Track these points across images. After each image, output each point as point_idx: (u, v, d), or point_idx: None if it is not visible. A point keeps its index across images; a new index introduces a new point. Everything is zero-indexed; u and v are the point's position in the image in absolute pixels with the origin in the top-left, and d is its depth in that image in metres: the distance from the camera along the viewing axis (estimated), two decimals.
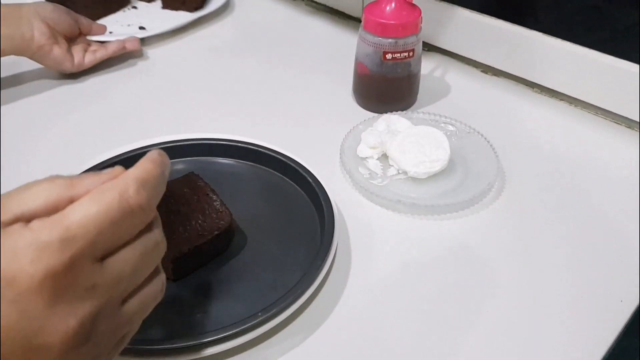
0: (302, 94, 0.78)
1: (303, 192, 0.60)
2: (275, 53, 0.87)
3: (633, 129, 0.71)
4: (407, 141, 0.62)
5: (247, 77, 0.82)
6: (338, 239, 0.53)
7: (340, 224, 0.56)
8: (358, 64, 0.72)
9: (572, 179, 0.64)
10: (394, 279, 0.53)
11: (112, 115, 0.74)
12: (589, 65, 0.71)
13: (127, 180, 0.33)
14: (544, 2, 0.75)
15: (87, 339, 0.31)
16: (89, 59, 0.80)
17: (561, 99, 0.76)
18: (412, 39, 0.68)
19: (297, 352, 0.47)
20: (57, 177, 0.33)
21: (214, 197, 0.54)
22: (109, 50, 0.81)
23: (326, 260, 0.51)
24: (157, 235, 0.36)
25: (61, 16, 0.77)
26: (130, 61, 0.83)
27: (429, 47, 0.86)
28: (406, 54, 0.68)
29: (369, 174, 0.63)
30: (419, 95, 0.75)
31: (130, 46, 0.82)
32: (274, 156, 0.62)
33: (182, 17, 0.94)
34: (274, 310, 0.46)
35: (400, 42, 0.67)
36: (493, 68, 0.81)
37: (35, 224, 0.30)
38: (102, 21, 0.92)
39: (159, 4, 0.99)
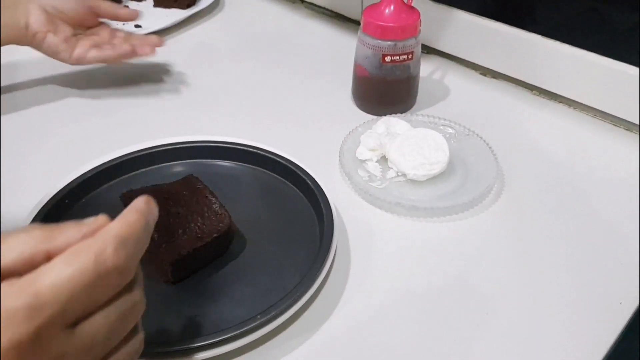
0: (301, 96, 0.78)
1: (302, 195, 0.59)
2: (275, 55, 0.87)
3: (632, 131, 0.71)
4: (406, 143, 0.62)
5: (246, 78, 0.82)
6: (337, 242, 0.53)
7: (339, 227, 0.56)
8: (357, 66, 0.72)
9: (571, 181, 0.64)
10: (393, 282, 0.53)
11: (111, 116, 0.74)
12: (587, 68, 0.71)
13: (106, 239, 0.31)
14: (542, 4, 0.75)
15: None
16: (93, 55, 0.72)
17: (560, 101, 0.76)
18: (411, 41, 0.68)
19: (296, 355, 0.47)
20: (35, 228, 0.31)
21: (213, 200, 0.54)
22: (116, 52, 0.73)
23: (325, 262, 0.51)
24: (135, 296, 0.34)
25: (66, 2, 0.71)
26: (127, 62, 0.83)
27: (428, 50, 0.86)
28: (405, 57, 0.69)
29: (368, 176, 0.63)
30: (418, 98, 0.75)
31: (142, 52, 0.74)
32: (273, 158, 0.62)
33: (176, 14, 0.94)
34: (273, 313, 0.46)
35: (400, 44, 0.68)
36: (492, 70, 0.81)
37: (3, 287, 0.28)
38: None
39: (150, 2, 0.99)
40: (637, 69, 0.67)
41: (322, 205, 0.56)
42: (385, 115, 0.70)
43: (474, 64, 0.83)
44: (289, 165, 0.61)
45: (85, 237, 0.31)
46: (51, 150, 0.68)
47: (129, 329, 0.34)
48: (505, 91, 0.79)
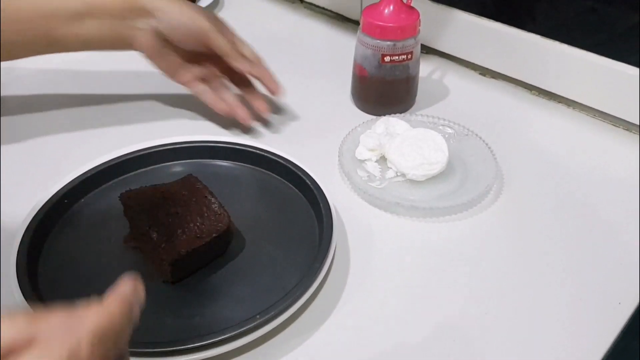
0: (301, 96, 0.78)
1: (302, 195, 0.59)
2: (274, 55, 0.86)
3: (631, 131, 0.71)
4: (405, 144, 0.62)
5: None
6: (336, 242, 0.53)
7: (338, 227, 0.56)
8: (356, 66, 0.72)
9: (570, 181, 0.64)
10: (392, 281, 0.53)
11: (110, 116, 0.74)
12: (587, 68, 0.71)
13: (81, 334, 0.29)
14: (542, 4, 0.75)
15: None
16: (195, 89, 0.68)
17: (559, 102, 0.76)
18: (410, 41, 0.68)
19: (296, 355, 0.47)
20: (18, 314, 0.29)
21: (212, 200, 0.54)
22: (217, 106, 0.68)
23: (324, 262, 0.51)
24: None
25: (184, 36, 0.64)
26: (127, 62, 0.83)
27: (427, 50, 0.86)
28: (404, 57, 0.69)
29: (368, 176, 0.63)
30: (418, 98, 0.75)
31: (242, 117, 0.67)
32: (272, 158, 0.62)
33: None
34: (272, 313, 0.46)
35: (399, 44, 0.68)
36: (491, 70, 0.81)
37: None
38: None
39: None
40: (637, 69, 0.67)
41: (321, 205, 0.56)
42: (384, 115, 0.70)
43: (473, 64, 0.83)
44: (289, 165, 0.61)
45: (67, 326, 0.29)
46: (50, 150, 0.68)
47: None
48: (505, 91, 0.79)
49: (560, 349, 0.47)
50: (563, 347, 0.48)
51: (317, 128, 0.72)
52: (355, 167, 0.64)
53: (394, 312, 0.50)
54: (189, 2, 0.65)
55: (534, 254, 0.56)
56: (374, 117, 0.70)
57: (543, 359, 0.47)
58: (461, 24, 0.81)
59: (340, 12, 0.95)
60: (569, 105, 0.75)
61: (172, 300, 0.50)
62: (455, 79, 0.81)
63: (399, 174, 0.63)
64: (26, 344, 0.28)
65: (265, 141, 0.63)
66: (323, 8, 0.97)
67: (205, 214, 0.52)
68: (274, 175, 0.62)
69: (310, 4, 0.99)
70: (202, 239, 0.51)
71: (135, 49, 0.66)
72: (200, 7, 0.65)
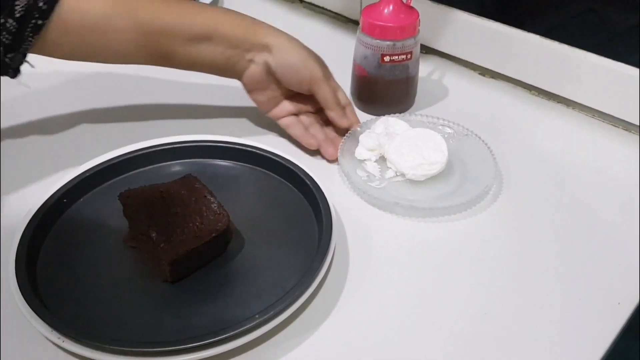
0: None
1: (301, 195, 0.59)
2: None
3: (631, 131, 0.71)
4: (405, 144, 0.62)
5: None
6: (336, 242, 0.53)
7: (338, 227, 0.56)
8: (356, 66, 0.72)
9: (569, 182, 0.64)
10: (391, 282, 0.53)
11: (109, 116, 0.74)
12: (586, 68, 0.71)
13: None
14: (541, 5, 0.75)
15: None
16: (285, 123, 0.68)
17: (559, 102, 0.76)
18: (410, 41, 0.68)
19: (295, 354, 0.47)
20: None
21: (212, 199, 0.54)
22: (301, 140, 0.67)
23: (324, 262, 0.51)
24: None
25: (292, 77, 0.64)
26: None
27: (426, 50, 0.86)
28: (404, 57, 0.69)
29: (367, 176, 0.63)
30: (417, 98, 0.75)
31: (330, 153, 0.66)
32: (271, 158, 0.62)
33: None
34: (272, 313, 0.46)
35: (398, 44, 0.67)
36: (491, 70, 0.81)
37: None
38: None
39: None
40: (636, 69, 0.67)
41: (320, 205, 0.55)
42: (383, 115, 0.70)
43: (472, 64, 0.83)
44: (288, 165, 0.60)
45: None
46: (50, 150, 0.68)
47: None
48: (504, 91, 0.79)
49: (559, 349, 0.47)
50: (562, 347, 0.48)
51: None
52: (354, 167, 0.64)
53: (393, 312, 0.50)
54: (304, 45, 0.65)
55: (533, 254, 0.56)
56: (374, 117, 0.70)
57: (542, 358, 0.47)
58: (461, 24, 0.81)
59: (340, 12, 0.95)
60: (568, 105, 0.75)
61: (172, 299, 0.50)
62: (454, 79, 0.81)
63: (398, 174, 0.63)
64: None
65: (264, 141, 0.63)
66: (322, 8, 0.97)
67: (205, 214, 0.52)
68: (274, 175, 0.62)
69: (310, 3, 0.99)
70: (201, 238, 0.51)
71: (241, 80, 0.66)
72: (311, 50, 0.65)
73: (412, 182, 0.62)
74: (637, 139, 0.70)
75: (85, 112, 0.75)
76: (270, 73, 0.64)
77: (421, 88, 0.75)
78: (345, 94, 0.68)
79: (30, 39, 0.57)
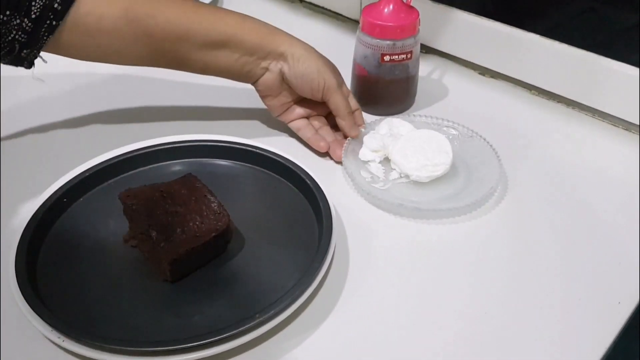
0: None
1: (301, 194, 0.59)
2: None
3: (631, 131, 0.71)
4: (409, 145, 0.62)
5: None
6: (336, 242, 0.53)
7: (338, 227, 0.56)
8: (356, 65, 0.72)
9: (569, 181, 0.64)
10: (392, 282, 0.53)
11: (109, 115, 0.74)
12: (586, 68, 0.71)
13: None
14: (541, 4, 0.75)
15: None
16: (296, 126, 0.68)
17: (559, 101, 0.76)
18: (410, 41, 0.68)
19: (295, 354, 0.47)
20: None
21: (212, 199, 0.54)
22: (311, 143, 0.67)
23: (324, 262, 0.51)
24: None
25: (306, 86, 0.64)
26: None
27: (426, 49, 0.86)
28: (404, 56, 0.69)
29: (371, 177, 0.63)
30: (417, 97, 0.75)
31: (339, 156, 0.65)
32: (271, 158, 0.62)
33: None
34: (272, 312, 0.46)
35: (398, 44, 0.67)
36: (491, 70, 0.81)
37: None
38: None
39: None
40: (636, 68, 0.67)
41: (321, 205, 0.55)
42: (383, 115, 0.70)
43: (472, 63, 0.83)
44: (288, 165, 0.60)
45: None
46: (50, 149, 0.68)
47: None
48: (504, 91, 0.79)
49: (560, 349, 0.47)
50: (563, 346, 0.48)
51: None
52: (358, 168, 0.63)
53: (393, 312, 0.50)
54: (318, 54, 0.65)
55: (532, 254, 0.56)
56: (376, 117, 0.70)
57: (543, 358, 0.47)
58: (461, 24, 0.81)
59: (340, 12, 0.95)
60: (568, 105, 0.75)
61: (172, 299, 0.50)
62: (454, 79, 0.81)
63: (402, 175, 0.62)
64: None
65: (265, 141, 0.63)
66: (322, 7, 0.97)
67: (205, 213, 0.52)
68: (274, 174, 0.62)
69: (310, 3, 0.99)
70: (201, 238, 0.51)
71: (254, 85, 0.66)
72: (325, 58, 0.65)
73: (416, 183, 0.62)
74: (637, 138, 0.70)
75: (85, 112, 0.74)
76: (284, 81, 0.65)
77: (421, 88, 0.75)
78: (355, 101, 0.68)
79: (45, 38, 0.57)
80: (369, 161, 0.64)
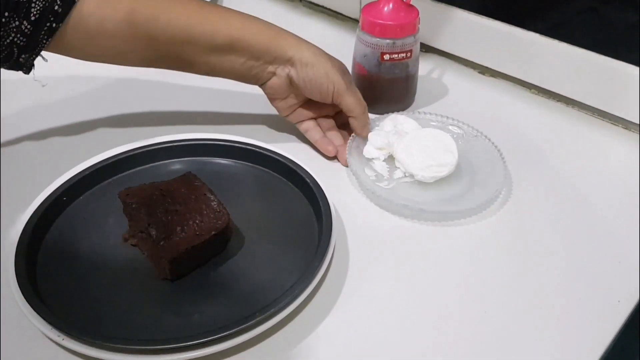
0: None
1: (301, 193, 0.59)
2: None
3: (630, 130, 0.71)
4: (414, 143, 0.62)
5: None
6: (336, 241, 0.53)
7: (338, 226, 0.56)
8: (356, 64, 0.72)
9: (568, 180, 0.64)
10: (391, 281, 0.53)
11: (109, 114, 0.74)
12: (586, 67, 0.71)
13: None
14: (541, 3, 0.75)
15: None
16: (304, 127, 0.67)
17: (558, 100, 0.76)
18: (409, 39, 0.68)
19: (294, 353, 0.47)
20: None
21: (212, 197, 0.54)
22: (319, 146, 0.66)
23: (323, 261, 0.51)
24: None
25: (315, 89, 0.63)
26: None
27: (426, 48, 0.86)
28: (404, 55, 0.69)
29: (376, 176, 0.62)
30: (417, 96, 0.75)
31: (345, 160, 0.65)
32: (271, 157, 0.62)
33: None
34: (271, 311, 0.46)
35: (398, 43, 0.67)
36: (490, 69, 0.81)
37: None
38: None
39: None
40: (636, 67, 0.67)
41: (320, 203, 0.55)
42: (383, 113, 0.69)
43: (472, 62, 0.83)
44: (288, 164, 0.60)
45: None
46: (49, 148, 0.68)
47: None
48: (504, 90, 0.79)
49: (559, 347, 0.47)
50: (563, 345, 0.48)
51: None
52: (362, 165, 0.63)
53: (393, 312, 0.50)
54: (326, 55, 0.64)
55: (532, 253, 0.56)
56: (381, 115, 0.69)
57: (542, 357, 0.47)
58: (460, 23, 0.81)
59: (339, 11, 0.95)
60: (568, 104, 0.75)
61: (171, 297, 0.50)
62: (454, 78, 0.81)
63: (407, 174, 0.62)
64: None
65: (264, 139, 0.63)
66: (322, 6, 0.97)
67: (205, 212, 0.52)
68: (274, 173, 0.62)
69: (310, 2, 0.99)
70: (201, 236, 0.51)
71: (261, 88, 0.66)
72: (333, 59, 0.65)
73: (421, 183, 0.61)
74: (637, 137, 0.70)
75: (85, 111, 0.74)
76: (292, 85, 0.64)
77: (421, 86, 0.75)
78: (361, 97, 0.66)
79: (44, 41, 0.56)
80: (373, 159, 0.64)
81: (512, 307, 0.51)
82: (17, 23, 0.54)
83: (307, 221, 0.57)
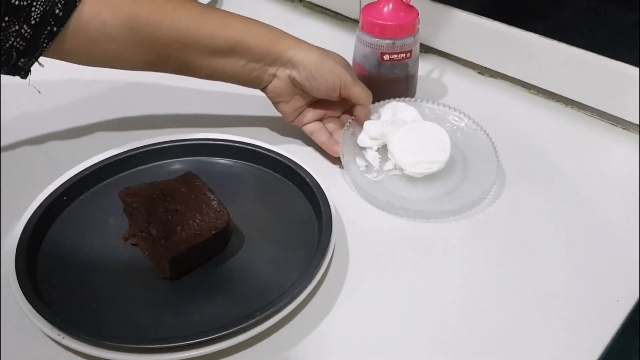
0: None
1: (301, 193, 0.60)
2: None
3: (629, 130, 0.71)
4: (408, 137, 0.61)
5: None
6: (336, 240, 0.53)
7: (338, 225, 0.56)
8: (356, 65, 0.72)
9: (568, 180, 0.64)
10: (391, 280, 0.53)
11: (109, 114, 0.74)
12: (585, 67, 0.71)
13: None
14: (540, 4, 0.75)
15: None
16: (308, 127, 0.67)
17: (558, 100, 0.76)
18: (409, 40, 0.68)
19: (294, 352, 0.47)
20: None
21: (212, 197, 0.54)
22: (326, 148, 0.66)
23: (323, 260, 0.51)
24: None
25: (320, 86, 0.63)
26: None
27: (426, 49, 0.86)
28: (403, 55, 0.69)
29: (366, 166, 0.63)
30: (416, 96, 0.75)
31: (332, 150, 0.65)
32: (271, 156, 0.62)
33: None
34: (271, 310, 0.46)
35: (398, 43, 0.68)
36: (490, 69, 0.81)
37: None
38: None
39: None
40: (636, 68, 0.67)
41: (320, 203, 0.56)
42: None
43: (472, 63, 0.83)
44: (288, 163, 0.61)
45: None
46: (50, 148, 0.68)
47: None
48: (503, 90, 0.79)
49: (559, 347, 0.47)
50: (562, 344, 0.48)
51: None
52: (355, 154, 0.63)
53: (393, 310, 0.50)
54: (325, 51, 0.64)
55: (532, 253, 0.56)
56: (381, 101, 0.68)
57: (542, 356, 0.47)
58: (460, 23, 0.81)
59: (339, 11, 0.95)
60: (567, 104, 0.75)
61: (171, 297, 0.51)
62: (453, 78, 0.82)
63: (397, 167, 0.62)
64: None
65: (264, 139, 0.64)
66: (322, 7, 0.98)
67: (205, 211, 0.52)
68: (274, 173, 0.62)
69: (309, 2, 0.99)
70: (201, 235, 0.51)
71: (264, 92, 0.66)
72: (332, 53, 0.65)
73: (410, 177, 0.61)
74: (637, 137, 0.70)
75: (85, 111, 0.75)
76: (296, 86, 0.64)
77: (420, 87, 0.75)
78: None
79: (44, 46, 0.56)
80: (366, 148, 0.64)
81: (511, 306, 0.51)
82: (17, 27, 0.53)
83: (307, 221, 0.57)
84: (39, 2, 0.53)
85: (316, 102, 0.66)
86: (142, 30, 0.58)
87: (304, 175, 0.59)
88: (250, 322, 0.45)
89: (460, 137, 0.65)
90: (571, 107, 0.75)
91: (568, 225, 0.59)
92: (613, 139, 0.70)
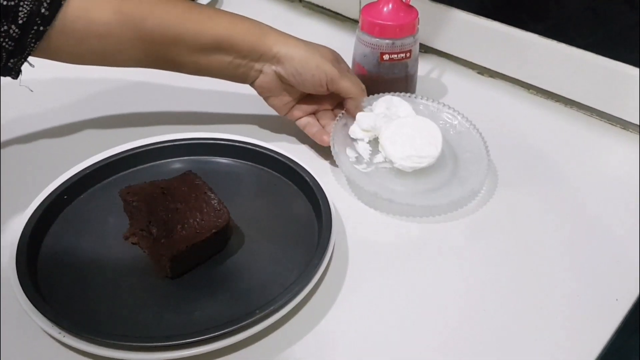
0: None
1: (301, 192, 0.60)
2: None
3: (629, 130, 0.71)
4: (400, 131, 0.61)
5: None
6: (335, 239, 0.53)
7: (338, 225, 0.56)
8: (355, 64, 0.72)
9: (567, 180, 0.64)
10: (391, 279, 0.53)
11: (110, 113, 0.74)
12: (584, 67, 0.71)
13: None
14: (539, 4, 0.75)
15: None
16: (303, 123, 0.67)
17: (557, 100, 0.76)
18: (409, 40, 0.68)
19: (294, 350, 0.47)
20: None
21: (212, 196, 0.54)
22: (317, 139, 0.66)
23: (323, 259, 0.51)
24: None
25: (308, 81, 0.63)
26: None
27: (425, 49, 0.86)
28: (403, 55, 0.69)
29: (356, 157, 0.62)
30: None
31: (322, 140, 0.65)
32: (271, 156, 0.62)
33: None
34: (271, 308, 0.46)
35: (398, 43, 0.68)
36: (489, 69, 0.81)
37: None
38: None
39: None
40: (635, 68, 0.67)
41: (320, 201, 0.56)
42: None
43: (471, 63, 0.83)
44: (288, 162, 0.61)
45: None
46: (50, 147, 0.68)
47: None
48: (503, 90, 0.79)
49: (558, 346, 0.48)
50: (561, 343, 0.48)
51: None
52: (345, 145, 0.63)
53: (393, 309, 0.51)
54: (312, 45, 0.64)
55: (532, 252, 0.56)
56: (376, 94, 0.68)
57: (541, 355, 0.47)
58: (459, 23, 0.81)
59: (339, 11, 0.96)
60: (566, 104, 0.76)
61: (172, 295, 0.51)
62: (453, 78, 0.82)
63: (387, 159, 0.62)
64: None
65: (264, 138, 0.64)
66: (322, 7, 0.98)
67: (205, 210, 0.53)
68: (273, 172, 0.62)
69: (309, 2, 0.99)
70: (201, 234, 0.51)
71: (252, 87, 0.66)
72: (320, 47, 0.65)
73: (400, 171, 0.61)
74: (636, 137, 0.70)
75: (86, 110, 0.75)
76: (282, 81, 0.64)
77: (420, 87, 0.75)
78: (358, 80, 0.67)
79: (32, 44, 0.56)
80: (357, 139, 0.64)
81: (511, 306, 0.51)
82: (5, 27, 0.54)
83: (307, 220, 0.57)
84: (25, 2, 0.53)
85: (308, 96, 0.67)
86: (128, 28, 0.58)
87: (304, 175, 0.59)
88: (250, 320, 0.46)
89: (452, 135, 0.65)
90: (571, 107, 0.75)
91: (567, 225, 0.59)
92: (612, 139, 0.70)
